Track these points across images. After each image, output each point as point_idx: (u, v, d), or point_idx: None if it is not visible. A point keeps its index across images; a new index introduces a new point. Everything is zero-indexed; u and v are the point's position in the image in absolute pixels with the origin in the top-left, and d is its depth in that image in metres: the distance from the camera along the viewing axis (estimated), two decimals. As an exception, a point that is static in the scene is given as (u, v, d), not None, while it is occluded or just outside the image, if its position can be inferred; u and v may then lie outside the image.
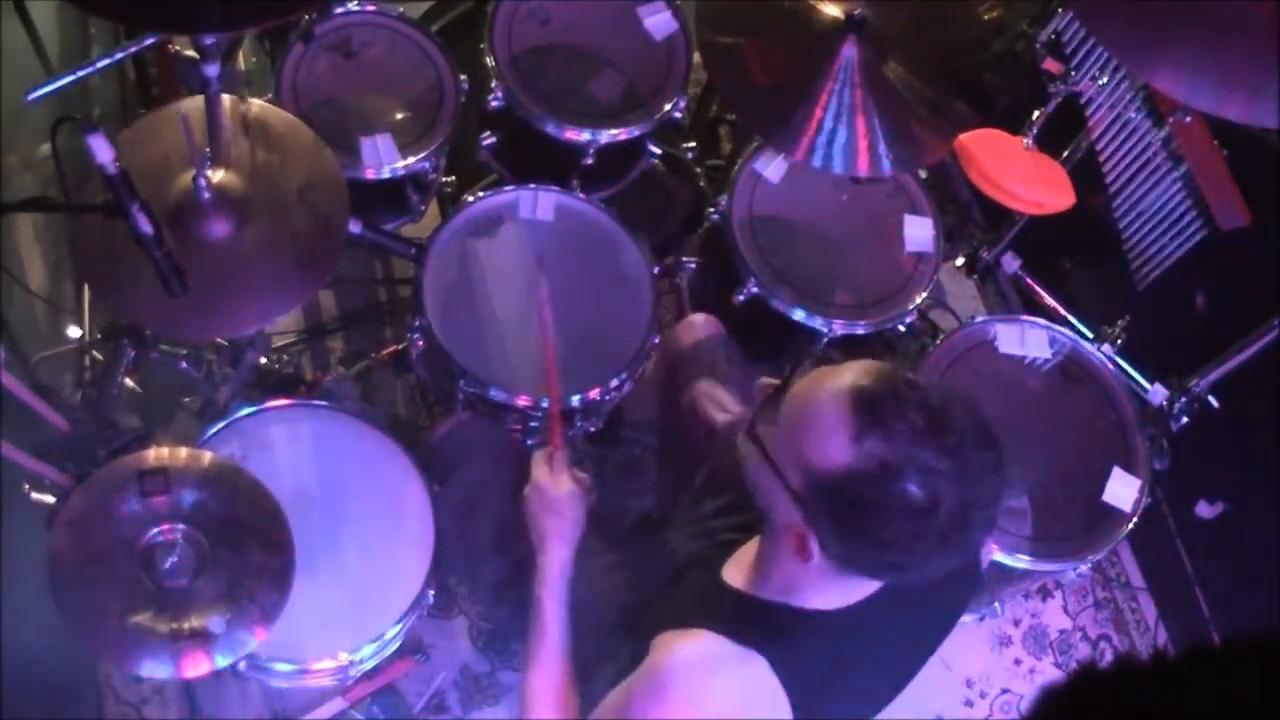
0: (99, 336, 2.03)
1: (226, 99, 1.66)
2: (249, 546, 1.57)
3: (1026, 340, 2.11)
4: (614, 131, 2.14)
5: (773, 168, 2.19)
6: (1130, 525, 1.97)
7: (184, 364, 2.03)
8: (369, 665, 1.80)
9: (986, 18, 2.03)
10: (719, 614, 1.25)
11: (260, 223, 1.66)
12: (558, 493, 1.55)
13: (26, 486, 1.70)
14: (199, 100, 1.59)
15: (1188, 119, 2.06)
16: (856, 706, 1.33)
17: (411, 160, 2.09)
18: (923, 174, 2.28)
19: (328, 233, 1.69)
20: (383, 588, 1.76)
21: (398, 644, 1.80)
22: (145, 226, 1.38)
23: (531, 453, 1.64)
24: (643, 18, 2.24)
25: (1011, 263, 2.52)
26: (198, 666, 1.49)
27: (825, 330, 2.08)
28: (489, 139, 2.25)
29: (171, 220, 1.58)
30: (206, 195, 1.60)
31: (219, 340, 2.01)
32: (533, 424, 1.96)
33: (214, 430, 1.80)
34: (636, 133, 2.16)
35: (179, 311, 1.56)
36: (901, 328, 2.14)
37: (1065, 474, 2.04)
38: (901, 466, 1.08)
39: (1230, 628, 2.36)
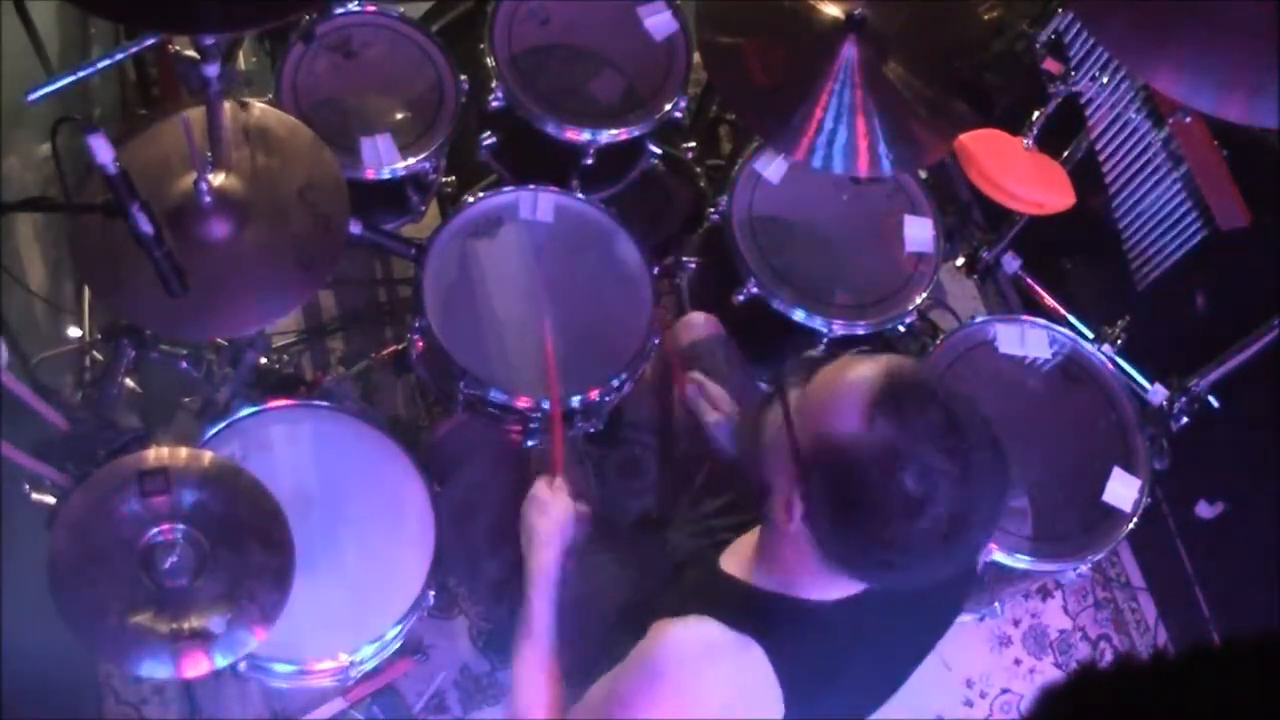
0: (99, 336, 2.03)
1: (227, 105, 1.66)
2: (249, 546, 1.57)
3: (1026, 340, 2.11)
4: (614, 131, 2.14)
5: (773, 168, 2.19)
6: (1130, 525, 1.97)
7: (184, 364, 2.03)
8: (369, 665, 1.80)
9: (986, 18, 2.03)
10: (715, 601, 1.25)
11: (260, 223, 1.66)
12: (554, 503, 1.59)
13: (26, 486, 1.70)
14: (201, 109, 1.59)
15: (1188, 119, 2.06)
16: (850, 701, 1.33)
17: (411, 160, 2.09)
18: (923, 174, 2.28)
19: (328, 233, 1.69)
20: (383, 588, 1.76)
21: (398, 644, 1.80)
22: (145, 226, 1.38)
23: (531, 453, 1.64)
24: (643, 18, 2.24)
25: (1011, 263, 2.52)
26: (198, 666, 1.49)
27: (825, 330, 2.08)
28: (489, 139, 2.25)
29: (171, 220, 1.58)
30: (207, 198, 1.60)
31: (219, 340, 2.01)
32: (533, 424, 1.96)
33: (214, 430, 1.80)
34: (636, 133, 2.16)
35: (179, 311, 1.56)
36: (901, 328, 2.14)
37: (1065, 474, 2.04)
38: (905, 456, 1.08)
39: (1230, 628, 2.36)
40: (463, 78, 2.17)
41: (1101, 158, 2.25)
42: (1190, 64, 1.59)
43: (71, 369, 2.12)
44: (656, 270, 2.05)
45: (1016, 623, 2.48)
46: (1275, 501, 2.17)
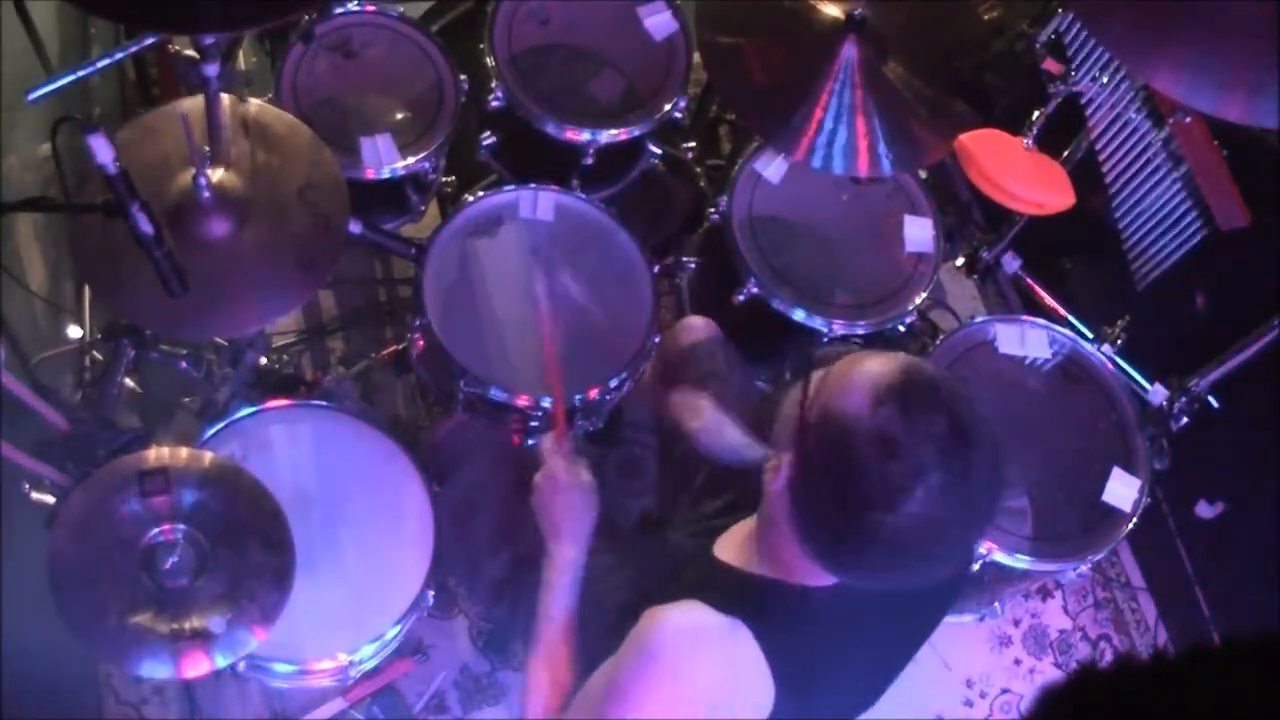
0: (99, 336, 2.03)
1: (226, 99, 1.66)
2: (249, 546, 1.57)
3: (1026, 340, 2.11)
4: (614, 131, 2.14)
5: (773, 168, 2.19)
6: (1130, 525, 1.97)
7: (184, 364, 2.03)
8: (369, 665, 1.80)
9: (986, 18, 2.03)
10: (707, 586, 1.26)
11: (260, 223, 1.66)
12: (573, 485, 1.53)
13: (26, 486, 1.70)
14: (199, 100, 1.59)
15: (1188, 119, 2.06)
16: (839, 694, 1.34)
17: (411, 160, 2.09)
18: (923, 174, 2.28)
19: (328, 233, 1.69)
20: (382, 588, 1.76)
21: (397, 644, 1.80)
22: (145, 226, 1.38)
23: (531, 453, 1.64)
24: (643, 18, 2.24)
25: (1011, 263, 2.52)
26: (198, 666, 1.49)
27: (825, 330, 2.08)
28: (489, 139, 2.25)
29: (171, 220, 1.58)
30: (206, 195, 1.60)
31: (219, 340, 2.01)
32: (533, 424, 1.96)
33: (214, 430, 1.80)
34: (636, 133, 2.16)
35: (179, 311, 1.56)
36: (901, 328, 2.14)
37: (1065, 474, 2.04)
38: (900, 448, 1.09)
39: (1230, 628, 2.36)
40: (463, 78, 2.17)
41: (1101, 158, 2.25)
42: (1190, 64, 1.59)
43: (71, 369, 2.12)
44: (656, 270, 2.05)
45: (1016, 623, 2.48)
46: (1275, 501, 2.17)
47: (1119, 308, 2.26)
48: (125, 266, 1.53)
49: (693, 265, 2.30)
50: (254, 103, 1.76)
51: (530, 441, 1.99)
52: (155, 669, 1.49)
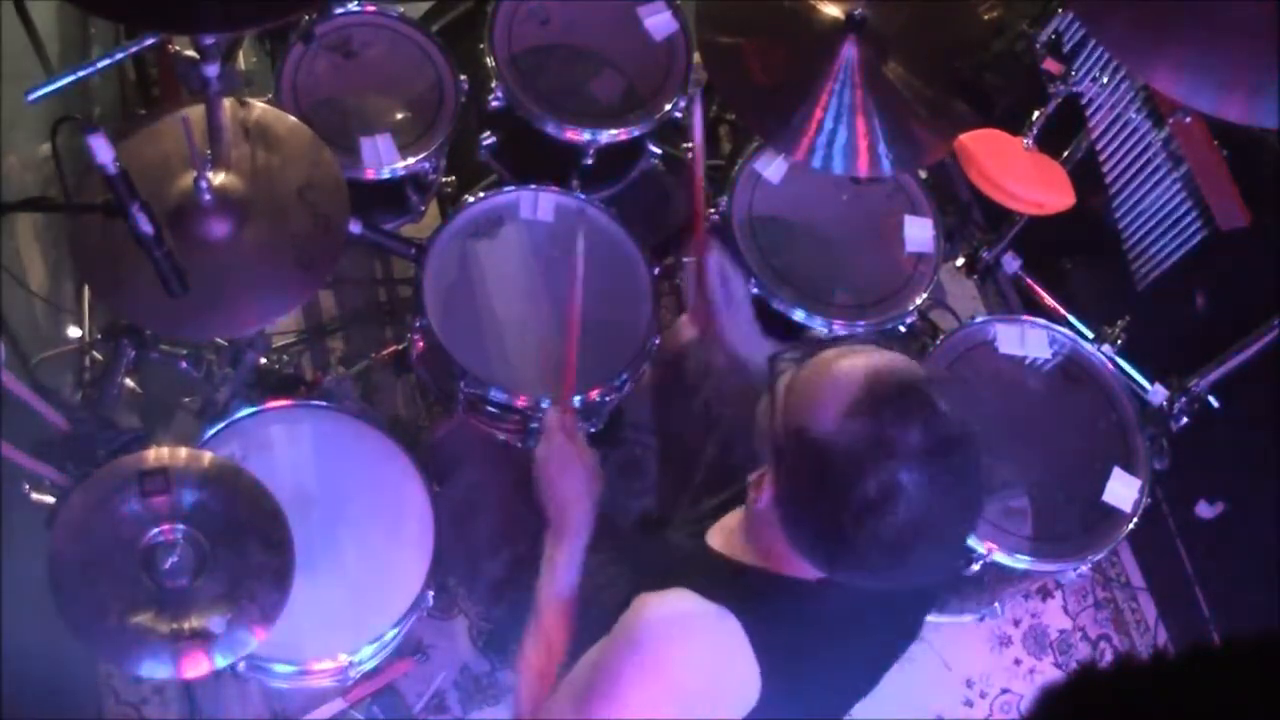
0: (99, 336, 2.03)
1: (227, 103, 1.66)
2: (249, 546, 1.57)
3: (1026, 340, 2.11)
4: (614, 131, 2.14)
5: (773, 168, 2.19)
6: (1130, 525, 1.97)
7: (184, 364, 2.03)
8: (369, 666, 1.80)
9: (986, 18, 2.03)
10: (697, 574, 1.27)
11: (260, 223, 1.66)
12: (580, 455, 1.49)
13: (26, 486, 1.70)
14: (201, 108, 1.59)
15: (1188, 119, 2.06)
16: (830, 685, 1.34)
17: (411, 160, 2.09)
18: (923, 174, 2.28)
19: (328, 233, 1.69)
20: (383, 588, 1.76)
21: (397, 644, 1.80)
22: (145, 226, 1.38)
23: (531, 454, 1.63)
24: (643, 18, 2.24)
25: (1011, 263, 2.52)
26: (198, 666, 1.49)
27: (825, 330, 2.08)
28: (489, 139, 2.25)
29: (172, 220, 1.58)
30: (207, 197, 1.60)
31: (219, 340, 2.01)
32: (533, 424, 1.96)
33: (214, 430, 1.80)
34: (636, 133, 2.16)
35: (179, 311, 1.56)
36: (902, 328, 2.14)
37: (1065, 474, 2.04)
38: (872, 463, 1.09)
39: (1230, 628, 2.36)
40: (463, 78, 2.17)
41: (1101, 158, 2.25)
42: (1190, 64, 1.59)
43: (71, 369, 2.11)
44: (656, 270, 2.05)
45: (1016, 623, 2.48)
46: (1275, 501, 2.17)
47: (1119, 308, 2.26)
48: (125, 266, 1.53)
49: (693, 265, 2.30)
50: (255, 105, 1.76)
51: (530, 443, 1.99)
52: (155, 669, 1.49)
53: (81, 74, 1.52)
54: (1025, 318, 2.15)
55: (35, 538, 1.58)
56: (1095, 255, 2.52)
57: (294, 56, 2.13)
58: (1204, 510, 2.38)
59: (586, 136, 2.12)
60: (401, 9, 2.25)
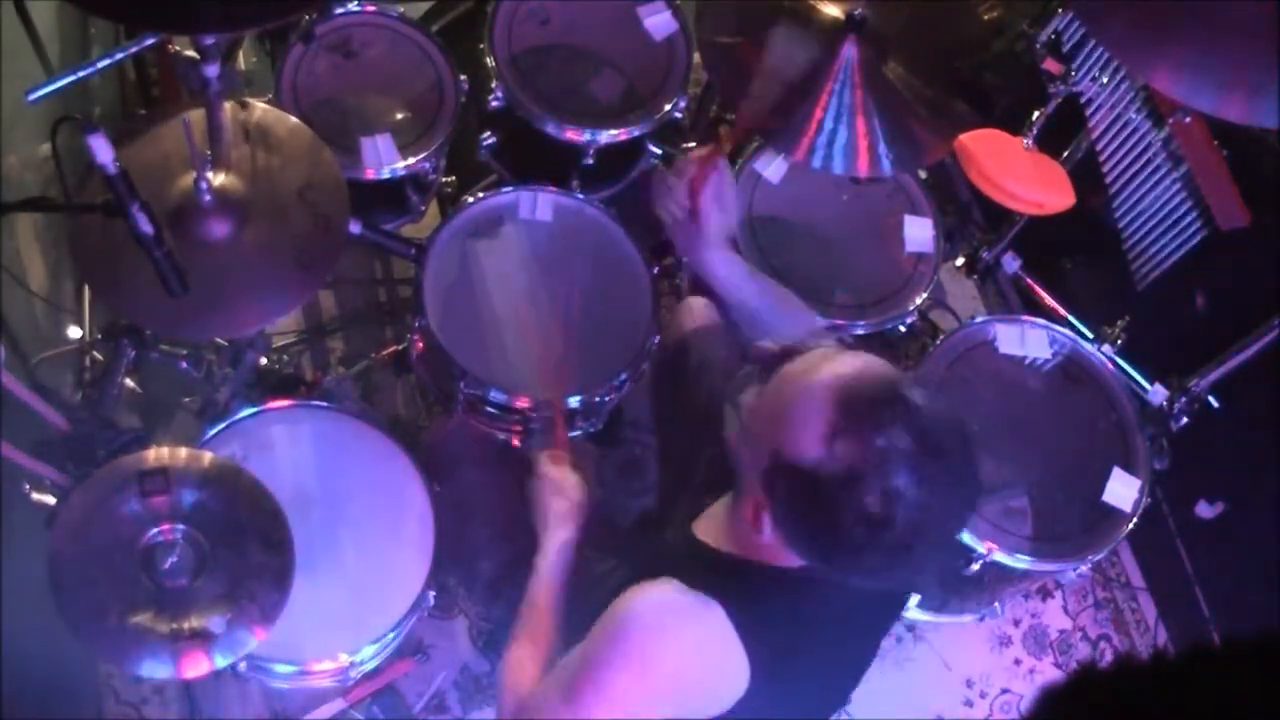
0: (99, 336, 2.02)
1: (227, 104, 1.66)
2: (249, 546, 1.57)
3: (1026, 340, 2.11)
4: (614, 131, 2.14)
5: (773, 168, 2.19)
6: (1130, 525, 1.97)
7: (184, 364, 2.03)
8: (369, 666, 1.80)
9: (986, 18, 2.03)
10: (683, 564, 1.28)
11: (260, 223, 1.66)
12: (564, 480, 1.57)
13: (26, 486, 1.70)
14: (201, 110, 1.59)
15: (1188, 119, 2.06)
16: (817, 677, 1.35)
17: (411, 160, 2.09)
18: (923, 174, 2.28)
19: (328, 233, 1.69)
20: (383, 588, 1.76)
21: (397, 644, 1.80)
22: (145, 226, 1.38)
23: (528, 453, 1.64)
24: (643, 18, 2.24)
25: (1011, 263, 2.52)
26: (198, 666, 1.49)
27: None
28: (489, 139, 2.25)
29: (172, 221, 1.58)
30: (207, 197, 1.60)
31: (219, 340, 2.01)
32: (532, 425, 1.96)
33: (214, 430, 1.80)
34: (636, 133, 2.16)
35: (179, 311, 1.56)
36: (902, 328, 2.14)
37: (1065, 474, 2.04)
38: (867, 478, 1.09)
39: (1230, 628, 2.36)
40: (463, 78, 2.17)
41: (1101, 158, 2.25)
42: (1190, 64, 1.59)
43: (71, 369, 2.11)
44: (656, 270, 2.05)
45: (1016, 623, 2.48)
46: (1275, 501, 2.17)
47: (1119, 308, 2.26)
48: (125, 266, 1.53)
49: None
50: (255, 105, 1.76)
51: (532, 443, 1.99)
52: (155, 669, 1.49)
53: (81, 74, 1.52)
54: (1025, 318, 2.15)
55: (35, 538, 1.58)
56: (1095, 255, 2.52)
57: (294, 56, 2.13)
58: (1204, 510, 2.38)
59: (586, 136, 2.12)
60: (401, 9, 2.25)
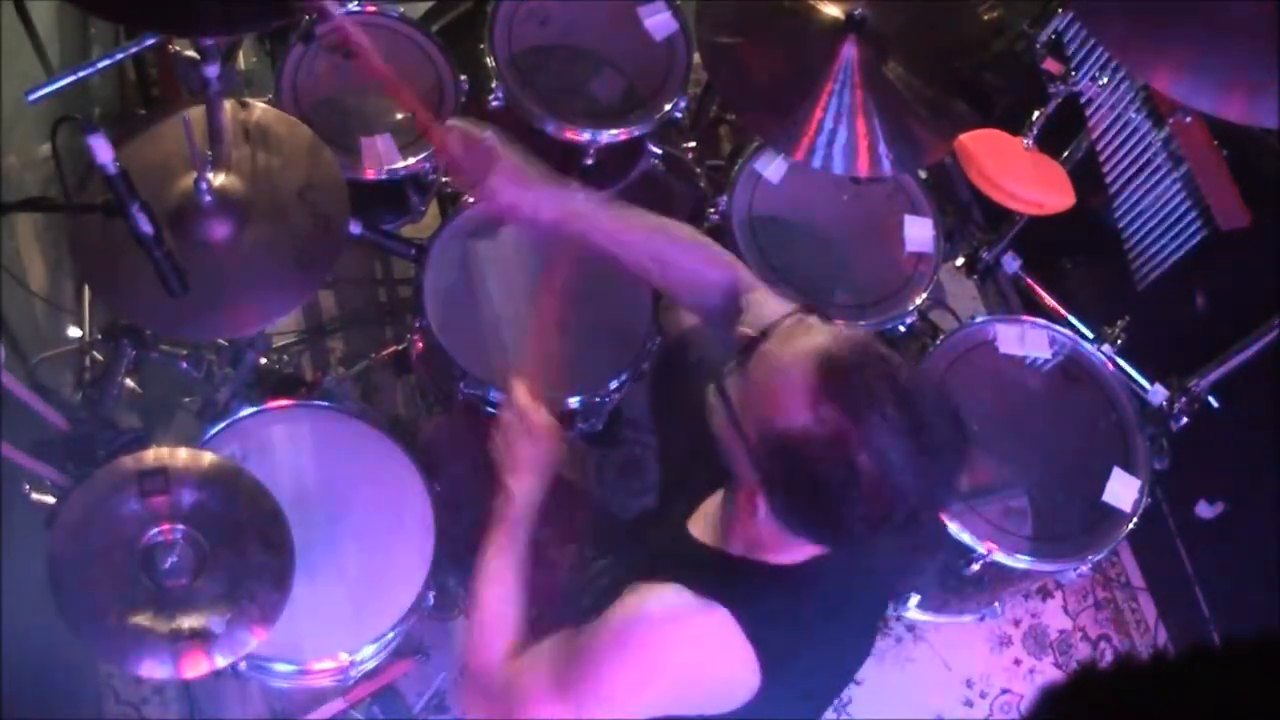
0: (99, 336, 2.03)
1: (227, 104, 1.66)
2: (249, 546, 1.57)
3: (1026, 340, 2.11)
4: (614, 131, 2.14)
5: (773, 168, 2.19)
6: (1130, 525, 1.97)
7: (184, 364, 2.03)
8: (369, 666, 1.80)
9: (986, 18, 2.03)
10: (683, 566, 1.27)
11: (261, 223, 1.66)
12: (538, 422, 1.47)
13: (26, 486, 1.70)
14: (201, 109, 1.59)
15: (1188, 119, 2.06)
16: (826, 663, 1.35)
17: (412, 160, 2.09)
18: (923, 174, 2.28)
19: (328, 233, 1.70)
20: (383, 588, 1.76)
21: (397, 644, 1.80)
22: (145, 226, 1.38)
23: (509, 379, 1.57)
24: (643, 18, 2.24)
25: (1011, 263, 2.51)
26: (198, 666, 1.49)
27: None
28: (489, 139, 2.25)
29: (172, 221, 1.58)
30: (208, 197, 1.60)
31: (219, 340, 2.01)
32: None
33: (214, 430, 1.80)
34: (636, 133, 2.16)
35: (179, 311, 1.56)
36: (902, 328, 2.14)
37: (1065, 474, 2.04)
38: (858, 441, 1.10)
39: (1230, 628, 2.36)
40: (463, 78, 2.17)
41: (1101, 158, 2.25)
42: (1190, 64, 1.59)
43: (71, 369, 2.11)
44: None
45: (1016, 623, 2.48)
46: (1275, 501, 2.17)
47: (1119, 308, 2.26)
48: (125, 266, 1.53)
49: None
50: (255, 105, 1.76)
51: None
52: (155, 669, 1.49)
53: (81, 74, 1.52)
54: (1025, 318, 2.15)
55: (35, 538, 1.58)
56: (1095, 255, 2.52)
57: (294, 57, 2.13)
58: (1204, 510, 2.38)
59: (586, 136, 2.12)
60: (401, 9, 2.25)
